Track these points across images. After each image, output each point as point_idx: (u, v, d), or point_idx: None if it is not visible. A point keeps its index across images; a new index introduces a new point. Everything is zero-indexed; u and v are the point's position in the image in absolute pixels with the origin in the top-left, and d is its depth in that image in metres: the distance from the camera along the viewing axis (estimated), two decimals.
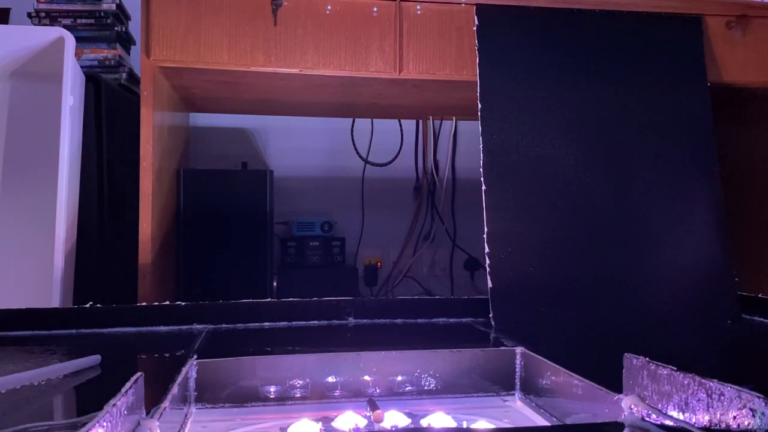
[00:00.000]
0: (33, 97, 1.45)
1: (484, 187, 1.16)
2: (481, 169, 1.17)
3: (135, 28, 1.70)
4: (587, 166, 1.22)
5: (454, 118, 2.10)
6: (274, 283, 1.69)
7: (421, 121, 2.12)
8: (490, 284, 1.11)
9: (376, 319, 1.07)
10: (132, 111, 1.34)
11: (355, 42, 1.29)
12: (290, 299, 1.07)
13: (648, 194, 1.23)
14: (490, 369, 0.84)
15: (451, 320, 1.10)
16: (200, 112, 1.94)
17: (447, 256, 2.13)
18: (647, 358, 0.60)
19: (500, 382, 0.84)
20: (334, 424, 0.71)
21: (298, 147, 2.08)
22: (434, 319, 1.10)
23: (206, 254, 1.50)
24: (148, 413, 0.57)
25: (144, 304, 1.14)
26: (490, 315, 1.08)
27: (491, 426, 0.74)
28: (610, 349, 0.93)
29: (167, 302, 1.06)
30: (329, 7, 1.28)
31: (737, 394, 0.50)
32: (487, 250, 1.13)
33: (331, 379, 0.80)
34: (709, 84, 1.32)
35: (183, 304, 1.04)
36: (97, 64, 1.65)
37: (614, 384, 0.64)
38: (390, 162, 2.11)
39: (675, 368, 0.57)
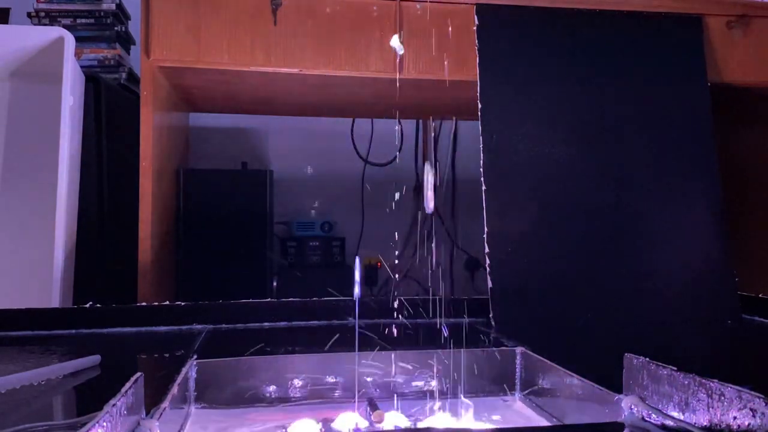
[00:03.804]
0: (33, 97, 1.45)
1: (484, 187, 1.16)
2: (481, 169, 1.17)
3: (135, 28, 1.70)
4: (587, 166, 1.22)
5: (454, 118, 2.10)
6: (274, 283, 1.69)
7: (421, 121, 2.11)
8: (490, 284, 1.11)
9: (376, 319, 1.07)
10: (132, 111, 1.34)
11: (355, 42, 1.29)
12: (290, 299, 1.07)
13: (648, 194, 1.23)
14: (490, 369, 0.84)
15: (451, 320, 1.10)
16: (200, 112, 1.94)
17: (447, 256, 2.13)
18: (647, 358, 0.60)
19: (500, 382, 0.84)
20: (334, 424, 0.71)
21: (298, 147, 2.08)
22: (434, 319, 1.10)
23: (206, 254, 1.50)
24: (147, 413, 0.57)
25: (144, 304, 1.14)
26: (490, 315, 1.08)
27: (491, 426, 0.74)
28: (610, 349, 0.93)
29: (167, 302, 1.06)
30: (329, 8, 1.28)
31: (737, 394, 0.50)
32: (487, 250, 1.13)
33: (331, 379, 0.80)
34: (709, 84, 1.32)
35: (183, 304, 1.04)
36: (96, 63, 1.65)
37: (614, 384, 0.64)
38: (390, 162, 2.11)
39: (675, 368, 0.57)
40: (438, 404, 0.79)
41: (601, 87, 1.27)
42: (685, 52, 1.34)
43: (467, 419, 0.75)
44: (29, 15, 1.67)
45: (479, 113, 1.20)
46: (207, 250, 1.51)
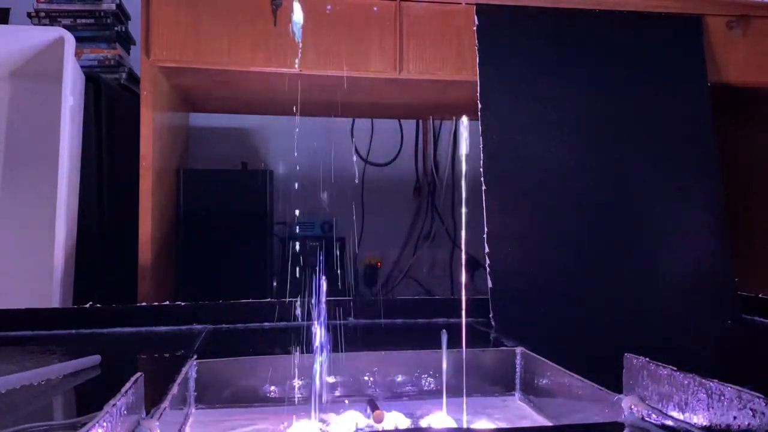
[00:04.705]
0: (33, 97, 1.45)
1: (484, 187, 1.16)
2: (481, 169, 1.17)
3: (135, 28, 1.70)
4: (587, 166, 1.22)
5: (454, 118, 2.10)
6: (274, 283, 1.69)
7: (421, 121, 2.12)
8: (490, 284, 1.11)
9: (376, 319, 1.07)
10: (132, 111, 1.34)
11: (355, 42, 1.29)
12: (290, 299, 1.07)
13: (648, 194, 1.23)
14: (490, 369, 0.84)
15: (451, 320, 1.10)
16: (200, 112, 1.94)
17: (447, 256, 2.13)
18: (647, 358, 0.60)
19: (500, 382, 0.84)
20: (334, 424, 0.71)
21: (298, 147, 2.08)
22: (434, 319, 1.10)
23: (206, 254, 1.50)
24: (148, 413, 0.57)
25: (144, 304, 1.14)
26: (490, 315, 1.08)
27: (491, 426, 0.74)
28: (610, 349, 0.93)
29: (167, 302, 1.06)
30: (329, 7, 1.28)
31: (737, 394, 0.50)
32: (487, 250, 1.13)
33: (331, 379, 0.80)
34: (709, 84, 1.32)
35: (183, 304, 1.04)
36: (97, 64, 1.65)
37: (614, 384, 0.64)
38: (390, 162, 2.11)
39: (675, 368, 0.57)
40: (438, 404, 0.79)
41: (601, 87, 1.27)
42: (685, 52, 1.34)
43: (467, 419, 0.75)
44: (29, 15, 1.67)
45: (479, 113, 1.20)
46: (207, 250, 1.51)
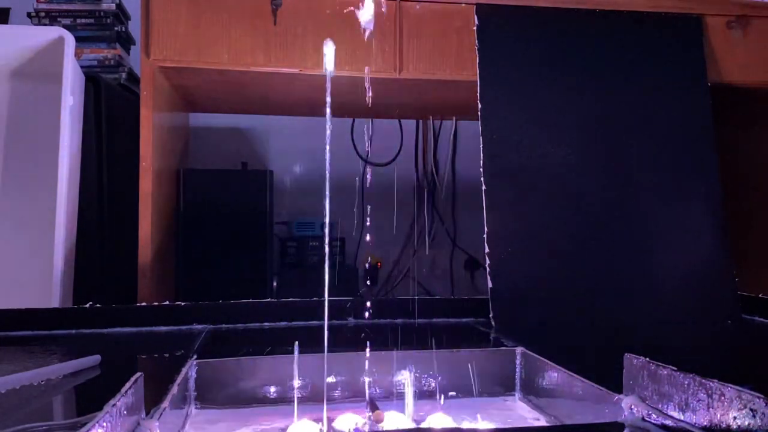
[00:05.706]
0: (33, 97, 1.45)
1: (484, 187, 1.16)
2: (481, 169, 1.17)
3: (135, 28, 1.70)
4: (587, 166, 1.22)
5: (454, 118, 2.10)
6: (274, 283, 1.69)
7: (421, 121, 2.11)
8: (490, 284, 1.11)
9: (376, 319, 1.07)
10: (132, 111, 1.34)
11: (355, 42, 1.29)
12: (290, 299, 1.07)
13: (648, 194, 1.23)
14: (490, 369, 0.84)
15: (451, 320, 1.10)
16: (200, 112, 1.94)
17: (447, 256, 2.13)
18: (647, 358, 0.60)
19: (500, 383, 0.84)
20: (334, 424, 0.71)
21: (298, 147, 2.08)
22: (434, 319, 1.10)
23: (206, 254, 1.50)
24: (147, 413, 0.57)
25: (144, 304, 1.14)
26: (490, 315, 1.08)
27: (491, 426, 0.74)
28: (610, 349, 0.93)
29: (167, 302, 1.06)
30: (329, 8, 1.28)
31: (737, 394, 0.50)
32: (487, 250, 1.13)
33: (331, 379, 0.80)
34: (709, 84, 1.32)
35: (183, 304, 1.04)
36: (96, 63, 1.65)
37: (614, 384, 0.64)
38: (390, 162, 2.11)
39: (675, 368, 0.57)
40: (438, 404, 0.79)
41: (600, 87, 1.27)
42: (685, 52, 1.34)
43: (467, 419, 0.75)
44: (29, 15, 1.67)
45: (479, 113, 1.20)
46: (207, 250, 1.51)
